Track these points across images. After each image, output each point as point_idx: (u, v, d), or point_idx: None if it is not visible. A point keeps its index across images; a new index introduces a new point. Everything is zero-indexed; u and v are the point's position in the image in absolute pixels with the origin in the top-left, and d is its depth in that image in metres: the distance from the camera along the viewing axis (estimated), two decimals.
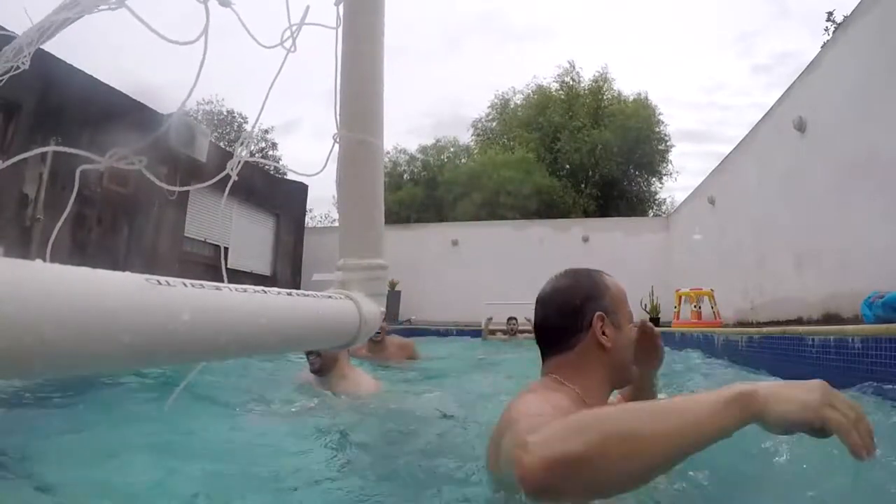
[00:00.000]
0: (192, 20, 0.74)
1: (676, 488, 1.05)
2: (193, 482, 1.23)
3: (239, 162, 0.92)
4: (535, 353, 1.20)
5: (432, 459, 1.45)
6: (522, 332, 6.69)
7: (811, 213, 5.45)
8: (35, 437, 1.64)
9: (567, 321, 1.12)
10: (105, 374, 2.43)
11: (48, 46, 1.73)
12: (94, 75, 6.63)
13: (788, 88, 6.16)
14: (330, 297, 0.82)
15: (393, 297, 9.76)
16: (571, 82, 18.19)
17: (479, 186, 15.15)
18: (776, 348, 3.13)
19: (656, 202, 18.92)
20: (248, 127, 20.29)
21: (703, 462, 1.07)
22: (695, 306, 7.19)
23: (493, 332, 7.09)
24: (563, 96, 17.81)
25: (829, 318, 4.84)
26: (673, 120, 30.56)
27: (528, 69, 24.32)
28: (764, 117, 6.88)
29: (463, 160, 18.46)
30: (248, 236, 9.92)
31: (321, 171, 1.01)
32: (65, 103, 6.12)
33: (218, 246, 8.94)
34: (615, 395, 1.27)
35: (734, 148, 8.04)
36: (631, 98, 17.40)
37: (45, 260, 0.43)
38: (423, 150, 18.96)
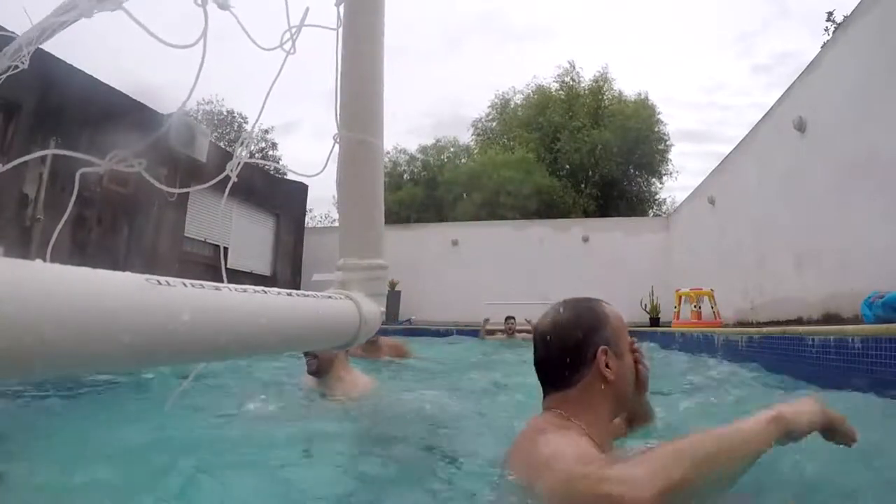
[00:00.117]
0: (192, 20, 0.74)
1: None
2: (193, 482, 1.23)
3: (239, 163, 0.92)
4: (530, 354, 1.20)
5: (429, 459, 1.45)
6: (521, 331, 6.68)
7: (811, 213, 5.45)
8: (35, 437, 1.64)
9: (570, 358, 1.10)
10: (105, 374, 2.43)
11: (48, 46, 1.74)
12: (94, 75, 6.64)
13: (788, 88, 6.16)
14: (330, 297, 0.82)
15: (393, 297, 9.76)
16: (571, 82, 18.19)
17: (479, 186, 15.15)
18: (776, 348, 3.14)
19: (656, 202, 18.94)
20: (248, 127, 20.32)
21: None
22: (695, 306, 7.20)
23: (491, 332, 7.08)
24: (563, 96, 17.81)
25: (829, 318, 4.84)
26: (673, 120, 30.57)
27: (528, 69, 24.34)
28: (764, 117, 6.88)
29: (463, 160, 18.46)
30: (248, 236, 9.92)
31: (321, 171, 1.01)
32: (65, 103, 6.12)
33: (218, 246, 8.94)
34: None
35: (734, 148, 8.04)
36: (632, 98, 17.43)
37: (45, 260, 0.43)
38: (423, 150, 18.97)
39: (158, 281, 0.49)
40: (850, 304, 4.17)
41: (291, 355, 2.83)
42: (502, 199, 14.67)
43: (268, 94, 0.99)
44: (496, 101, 19.35)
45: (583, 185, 16.80)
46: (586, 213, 15.56)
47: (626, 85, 27.48)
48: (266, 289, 0.65)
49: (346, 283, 0.92)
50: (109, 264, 0.68)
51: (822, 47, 6.23)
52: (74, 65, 6.25)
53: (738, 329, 5.49)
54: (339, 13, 1.00)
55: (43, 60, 5.03)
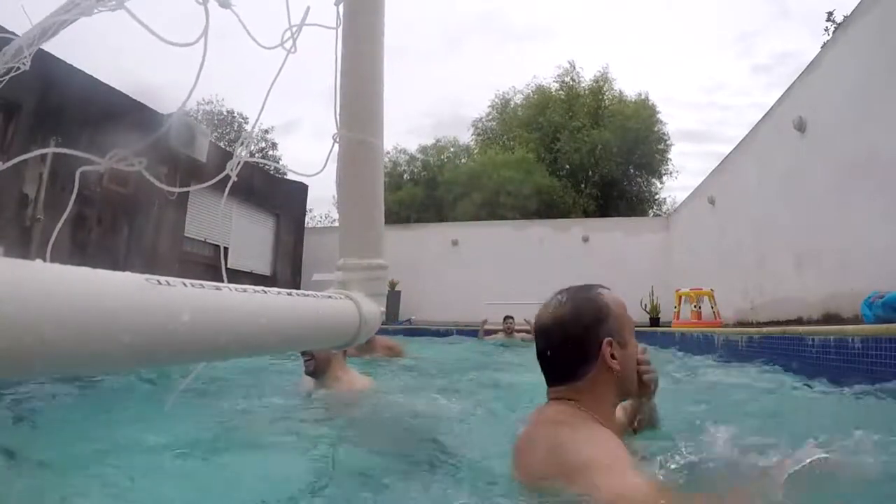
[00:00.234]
0: (192, 19, 0.74)
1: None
2: (193, 482, 1.23)
3: (239, 162, 0.92)
4: (530, 354, 1.20)
5: (427, 457, 1.45)
6: (520, 331, 6.67)
7: (811, 213, 5.45)
8: (35, 436, 1.64)
9: (574, 354, 1.10)
10: (105, 373, 2.43)
11: (48, 46, 1.74)
12: (94, 75, 6.64)
13: (788, 88, 6.16)
14: (330, 297, 0.82)
15: (393, 297, 9.76)
16: (571, 82, 18.18)
17: (479, 186, 15.15)
18: (776, 348, 3.14)
19: (656, 202, 18.94)
20: (248, 127, 20.31)
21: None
22: (695, 306, 7.20)
23: (489, 333, 7.08)
24: (563, 96, 17.79)
25: (829, 318, 4.84)
26: (673, 120, 30.57)
27: (528, 69, 24.32)
28: (764, 117, 6.88)
29: (463, 160, 18.45)
30: (248, 236, 9.92)
31: (321, 171, 1.01)
32: (65, 103, 6.12)
33: (218, 246, 8.94)
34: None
35: (734, 148, 8.04)
36: (632, 98, 17.43)
37: (45, 260, 0.43)
38: (423, 150, 18.96)
39: (158, 281, 0.49)
40: (850, 304, 4.17)
41: (291, 355, 2.83)
42: (502, 199, 14.67)
43: (268, 93, 1.00)
44: (496, 101, 19.37)
45: (583, 185, 16.80)
46: (586, 213, 15.56)
47: (627, 85, 27.48)
48: (266, 289, 0.65)
49: (346, 282, 0.92)
50: (109, 264, 0.68)
51: (822, 47, 6.24)
52: (74, 65, 6.25)
53: (738, 329, 5.49)
54: (338, 13, 1.00)
55: (43, 60, 5.02)
